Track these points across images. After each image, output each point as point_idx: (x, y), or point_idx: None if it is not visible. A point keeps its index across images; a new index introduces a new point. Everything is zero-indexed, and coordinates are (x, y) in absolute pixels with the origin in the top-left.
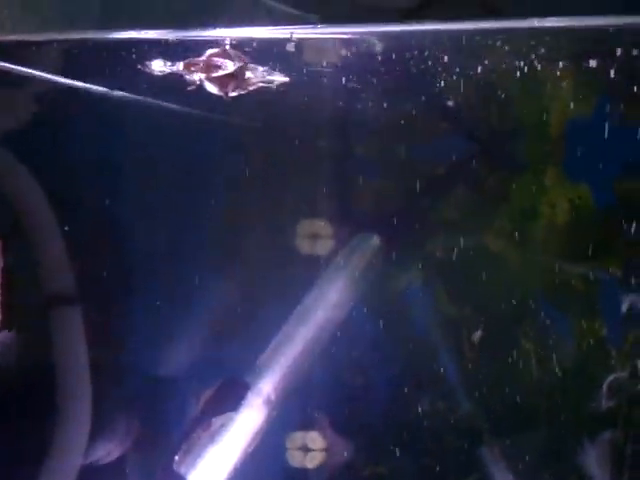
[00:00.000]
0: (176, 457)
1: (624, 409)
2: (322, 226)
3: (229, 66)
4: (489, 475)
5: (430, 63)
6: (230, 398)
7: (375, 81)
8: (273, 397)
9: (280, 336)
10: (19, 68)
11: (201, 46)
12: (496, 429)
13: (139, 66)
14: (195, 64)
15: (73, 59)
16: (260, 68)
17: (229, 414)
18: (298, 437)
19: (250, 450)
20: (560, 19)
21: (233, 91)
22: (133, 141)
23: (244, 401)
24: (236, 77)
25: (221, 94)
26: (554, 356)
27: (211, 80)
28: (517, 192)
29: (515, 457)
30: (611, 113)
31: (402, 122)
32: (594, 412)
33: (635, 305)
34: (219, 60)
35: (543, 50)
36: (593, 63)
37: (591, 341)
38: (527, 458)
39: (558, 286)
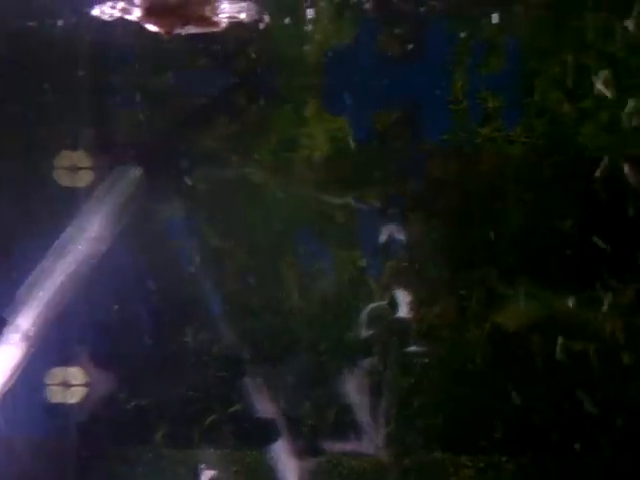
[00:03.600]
0: None
1: (382, 337)
2: (82, 157)
3: None
4: (252, 405)
5: None
6: None
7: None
8: (32, 333)
9: (39, 270)
10: None
11: None
12: (259, 359)
13: None
14: None
15: None
16: None
17: None
18: (58, 372)
19: (8, 387)
20: None
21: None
22: None
23: (1, 337)
24: None
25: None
26: (315, 285)
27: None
28: (277, 124)
29: (277, 386)
30: (371, 47)
31: (159, 53)
32: (354, 341)
33: (393, 236)
34: None
35: None
36: None
37: (351, 271)
38: (289, 387)
39: (319, 217)
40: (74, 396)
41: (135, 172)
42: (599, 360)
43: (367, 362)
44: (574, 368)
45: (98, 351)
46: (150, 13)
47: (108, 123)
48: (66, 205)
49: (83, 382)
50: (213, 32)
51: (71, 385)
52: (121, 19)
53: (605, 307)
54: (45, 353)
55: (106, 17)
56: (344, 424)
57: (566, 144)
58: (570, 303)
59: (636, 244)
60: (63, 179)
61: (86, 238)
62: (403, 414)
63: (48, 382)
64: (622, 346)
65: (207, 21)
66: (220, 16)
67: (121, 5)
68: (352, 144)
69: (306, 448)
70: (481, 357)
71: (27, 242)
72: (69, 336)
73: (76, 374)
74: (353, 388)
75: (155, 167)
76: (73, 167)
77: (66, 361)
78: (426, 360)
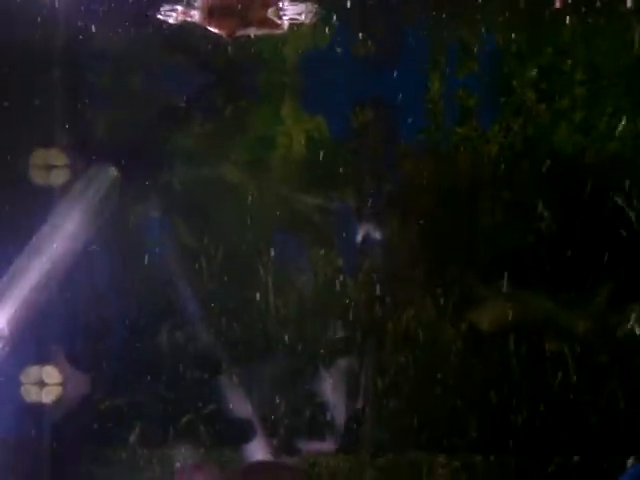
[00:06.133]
0: None
1: (358, 337)
2: (57, 155)
3: None
4: (227, 404)
5: None
6: None
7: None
8: (7, 331)
9: (14, 268)
10: None
11: None
12: (235, 359)
13: None
14: None
15: None
16: None
17: None
18: (34, 371)
19: None
20: None
21: None
22: None
23: None
24: None
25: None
26: (292, 286)
27: None
28: (254, 123)
29: (253, 386)
30: (347, 48)
31: (136, 51)
32: (330, 341)
33: (369, 235)
34: None
35: None
36: None
37: (327, 270)
38: (264, 386)
39: (295, 217)
40: (49, 395)
41: (111, 171)
42: (574, 360)
43: (343, 362)
44: (550, 368)
45: (73, 350)
46: (211, 16)
47: (83, 121)
48: (41, 203)
49: (58, 381)
50: (191, 30)
51: (46, 384)
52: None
53: (580, 307)
54: (20, 352)
55: (169, 20)
56: (320, 423)
57: (541, 144)
58: (546, 303)
59: (611, 244)
60: (38, 177)
61: (62, 237)
62: (379, 414)
63: (23, 381)
64: (597, 346)
65: (269, 23)
66: (282, 18)
67: (181, 8)
68: (328, 143)
69: (282, 447)
70: (457, 357)
71: (2, 240)
72: (45, 335)
73: (51, 373)
74: (329, 388)
75: (131, 166)
76: (48, 165)
77: (42, 360)
78: (402, 360)
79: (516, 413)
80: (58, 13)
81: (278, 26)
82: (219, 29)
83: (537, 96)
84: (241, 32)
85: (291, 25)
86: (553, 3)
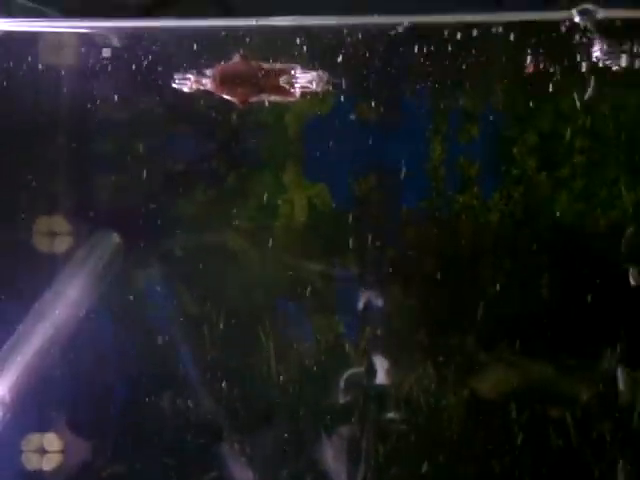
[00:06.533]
0: None
1: (360, 404)
2: (60, 223)
3: None
4: (229, 472)
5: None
6: None
7: (110, 77)
8: (8, 399)
9: (16, 335)
10: None
11: None
12: (236, 426)
13: None
14: None
15: None
16: None
17: None
18: (34, 439)
19: None
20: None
21: None
22: None
23: None
24: None
25: None
26: (293, 352)
27: None
28: (256, 190)
29: (254, 453)
30: (347, 114)
31: (140, 119)
32: (331, 407)
33: (370, 302)
34: None
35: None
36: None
37: (329, 337)
38: (266, 454)
39: (297, 283)
40: (50, 462)
41: (113, 237)
42: (576, 428)
43: (345, 429)
44: (552, 436)
45: (75, 417)
46: (223, 84)
47: (86, 188)
48: (45, 270)
49: (59, 449)
50: (194, 97)
51: (47, 451)
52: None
53: (582, 375)
54: (21, 419)
55: (183, 88)
56: None
57: (542, 212)
58: (547, 369)
59: (613, 312)
60: (42, 245)
61: (64, 303)
62: None
63: (24, 448)
64: (599, 415)
65: (281, 91)
66: (294, 86)
67: (193, 77)
68: (330, 210)
69: None
70: (459, 424)
71: (5, 307)
72: (46, 401)
73: (52, 440)
74: (330, 455)
75: (133, 232)
76: (51, 233)
77: (42, 427)
78: (404, 427)
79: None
80: (62, 80)
81: (290, 94)
82: (231, 96)
83: (538, 164)
84: (254, 99)
85: (303, 93)
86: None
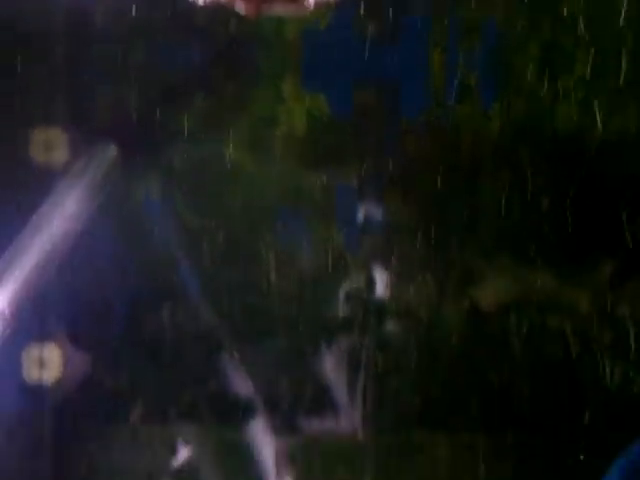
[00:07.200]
0: None
1: (360, 316)
2: (57, 134)
3: None
4: (229, 382)
5: None
6: None
7: None
8: (8, 313)
9: (15, 248)
10: None
11: None
12: (236, 338)
13: None
14: None
15: None
16: None
17: None
18: (35, 352)
19: None
20: None
21: None
22: None
23: None
24: None
25: None
26: (293, 264)
27: None
28: (255, 101)
29: (254, 364)
30: (346, 25)
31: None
32: (331, 319)
33: (370, 214)
34: None
35: None
36: None
37: (329, 249)
38: (266, 365)
39: (296, 195)
40: (50, 375)
41: (110, 149)
42: (576, 338)
43: (344, 341)
44: (551, 346)
45: (74, 330)
46: None
47: (84, 100)
48: (42, 182)
49: (59, 361)
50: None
51: (47, 364)
52: None
53: (582, 284)
54: (22, 332)
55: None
56: (321, 403)
57: (542, 122)
58: (548, 280)
59: (612, 222)
60: (38, 156)
61: (62, 216)
62: (380, 393)
63: (24, 361)
64: (599, 324)
65: (295, 2)
66: None
67: None
68: (330, 122)
69: (283, 426)
70: (458, 335)
71: (2, 220)
72: (46, 315)
73: (52, 353)
74: (330, 367)
75: (131, 144)
76: (48, 144)
77: (43, 340)
78: (403, 338)
79: (517, 391)
80: None
81: (304, 5)
82: (244, 8)
83: (539, 74)
84: (266, 10)
85: (317, 3)
86: None
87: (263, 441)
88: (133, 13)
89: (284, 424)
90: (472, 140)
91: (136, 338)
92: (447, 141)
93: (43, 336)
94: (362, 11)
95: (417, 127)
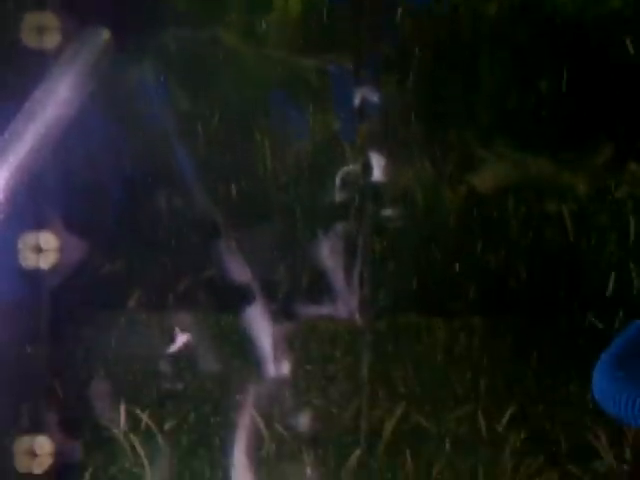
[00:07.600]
0: None
1: (356, 201)
2: (49, 18)
3: None
4: (226, 268)
5: None
6: None
7: None
8: (2, 198)
9: (8, 134)
10: None
11: None
12: (233, 223)
13: None
14: None
15: None
16: None
17: None
18: (30, 237)
19: None
20: None
21: None
22: None
23: None
24: None
25: None
26: (289, 149)
27: None
28: None
29: (251, 250)
30: None
31: None
32: (328, 204)
33: (367, 98)
34: None
35: None
36: None
37: (325, 134)
38: (263, 251)
39: (292, 79)
40: (47, 261)
41: (103, 33)
42: (573, 222)
43: (341, 226)
44: (548, 230)
45: (70, 216)
46: None
47: None
48: (34, 67)
49: (55, 247)
50: None
51: (43, 250)
52: None
53: (580, 167)
54: (17, 218)
55: None
56: (318, 288)
57: (541, 1)
58: (545, 164)
59: (612, 106)
60: (31, 40)
61: (55, 101)
62: (377, 277)
63: (20, 247)
64: (596, 208)
65: None
66: None
67: None
68: (325, 5)
69: (280, 312)
70: (456, 220)
71: None
72: (40, 201)
73: (48, 239)
74: (327, 252)
75: (124, 28)
76: (40, 28)
77: (38, 226)
78: (400, 223)
79: (514, 274)
80: None
81: None
82: None
83: None
84: None
85: None
86: None
87: (261, 327)
88: None
89: (282, 310)
90: (470, 21)
91: (132, 224)
92: (445, 23)
93: (39, 223)
94: None
95: (414, 8)
